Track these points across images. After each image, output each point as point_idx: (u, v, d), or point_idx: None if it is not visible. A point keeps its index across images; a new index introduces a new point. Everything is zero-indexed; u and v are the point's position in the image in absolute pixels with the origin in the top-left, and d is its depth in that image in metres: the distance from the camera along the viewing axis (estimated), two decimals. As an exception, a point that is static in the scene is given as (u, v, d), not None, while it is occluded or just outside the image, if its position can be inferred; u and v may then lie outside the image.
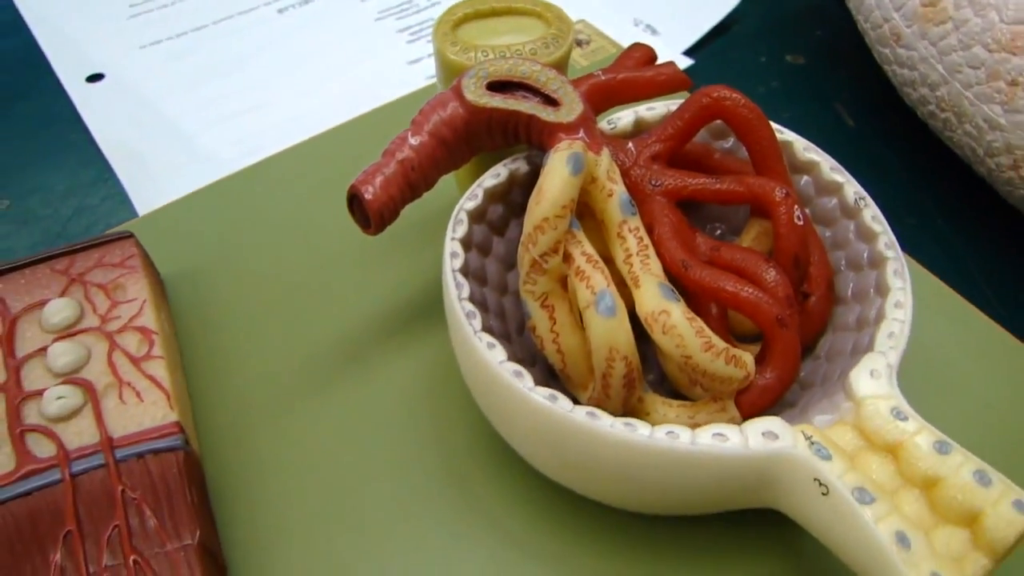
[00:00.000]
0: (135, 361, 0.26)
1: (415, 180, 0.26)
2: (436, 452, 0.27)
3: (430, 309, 0.30)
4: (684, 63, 0.43)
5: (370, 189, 0.25)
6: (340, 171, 0.35)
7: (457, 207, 0.26)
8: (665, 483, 0.22)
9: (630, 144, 0.27)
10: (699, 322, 0.23)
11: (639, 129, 0.29)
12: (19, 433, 0.25)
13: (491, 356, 0.23)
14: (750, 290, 0.24)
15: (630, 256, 0.25)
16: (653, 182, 0.26)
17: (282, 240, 0.32)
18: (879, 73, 0.42)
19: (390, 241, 0.33)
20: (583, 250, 0.24)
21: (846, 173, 0.27)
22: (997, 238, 0.35)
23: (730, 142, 0.29)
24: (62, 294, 0.28)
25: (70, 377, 0.26)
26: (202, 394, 0.28)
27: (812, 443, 0.22)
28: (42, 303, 0.27)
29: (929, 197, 0.37)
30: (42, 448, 0.25)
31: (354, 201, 0.26)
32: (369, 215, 0.25)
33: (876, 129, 0.40)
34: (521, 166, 0.27)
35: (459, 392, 0.28)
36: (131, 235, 0.29)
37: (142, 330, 0.27)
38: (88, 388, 0.26)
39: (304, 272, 0.32)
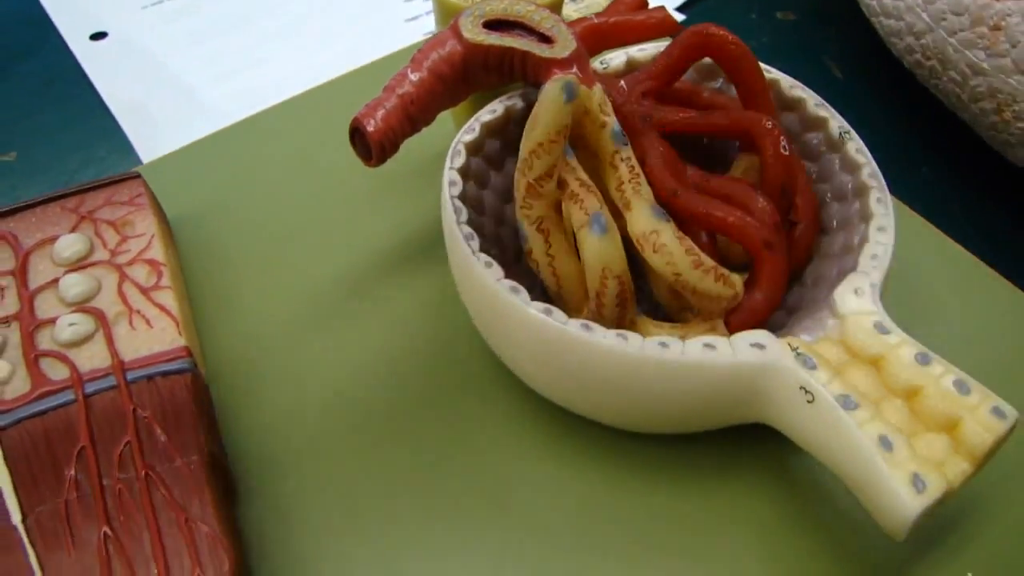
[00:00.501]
0: (144, 291, 0.27)
1: (414, 114, 0.27)
2: (434, 377, 0.28)
3: (429, 247, 0.31)
4: (676, 19, 0.44)
5: (372, 122, 0.26)
6: (339, 118, 0.36)
7: (455, 140, 0.27)
8: (656, 395, 0.23)
9: (622, 82, 0.28)
10: (688, 241, 0.24)
11: (630, 69, 0.30)
12: (34, 358, 0.26)
13: (489, 274, 0.24)
14: (739, 214, 0.25)
15: (622, 184, 0.26)
16: (644, 117, 0.27)
17: (283, 183, 0.33)
18: (867, 26, 0.43)
19: (389, 183, 0.33)
20: (577, 176, 0.25)
21: (831, 108, 0.28)
22: (981, 183, 0.36)
23: (718, 83, 0.30)
24: (72, 230, 0.28)
25: (82, 306, 0.27)
26: (208, 326, 0.29)
27: (798, 354, 0.23)
28: (53, 239, 0.28)
29: (915, 145, 0.38)
30: (56, 371, 0.25)
31: (356, 134, 0.27)
32: (371, 146, 0.26)
33: (864, 81, 0.41)
34: (517, 103, 0.28)
35: (457, 322, 0.29)
36: (138, 175, 0.30)
37: (151, 262, 0.28)
38: (99, 316, 0.26)
39: (306, 213, 0.32)
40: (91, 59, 0.41)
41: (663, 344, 0.23)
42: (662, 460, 0.26)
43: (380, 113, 0.26)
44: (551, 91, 0.25)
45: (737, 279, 0.25)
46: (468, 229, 0.25)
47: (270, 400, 0.27)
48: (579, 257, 0.26)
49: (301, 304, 0.30)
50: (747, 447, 0.26)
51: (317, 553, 0.25)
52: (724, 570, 0.24)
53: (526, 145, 0.25)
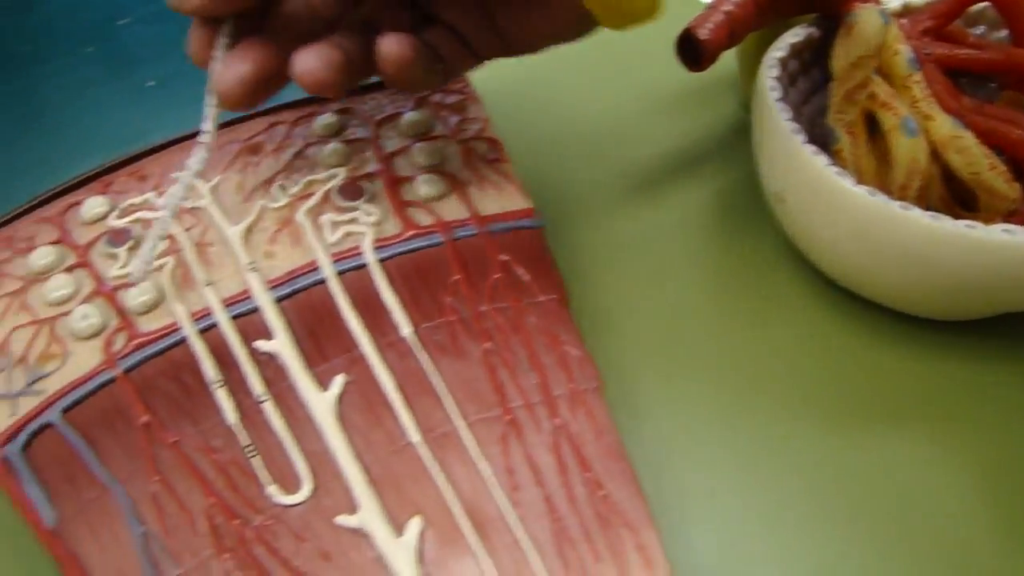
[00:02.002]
0: (487, 162, 0.31)
1: (735, 30, 0.31)
2: (728, 262, 0.32)
3: (714, 153, 0.35)
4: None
5: (704, 31, 0.30)
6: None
7: (768, 55, 0.31)
8: (962, 273, 0.27)
9: (904, 20, 0.32)
10: (985, 147, 0.29)
11: (906, 12, 0.34)
12: (400, 206, 0.30)
13: (817, 160, 0.28)
14: (1021, 132, 0.29)
15: (916, 102, 0.30)
16: (925, 51, 0.32)
17: (593, 82, 0.37)
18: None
19: (678, 99, 0.37)
20: (884, 88, 0.30)
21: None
22: None
23: (981, 30, 0.34)
24: (413, 109, 0.32)
25: (434, 168, 0.31)
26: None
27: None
28: (398, 114, 0.32)
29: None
30: (421, 218, 0.29)
31: (685, 42, 0.31)
32: (702, 51, 0.30)
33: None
34: (814, 31, 0.32)
35: (750, 213, 0.33)
36: (459, 71, 0.34)
37: (489, 140, 0.32)
38: (451, 178, 0.30)
39: (612, 116, 0.36)
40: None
41: (969, 225, 0.27)
42: (950, 347, 0.30)
43: (710, 25, 0.30)
44: (870, 16, 0.29)
45: (1017, 185, 0.29)
46: (795, 124, 0.29)
47: (592, 268, 0.31)
48: (875, 157, 0.30)
49: (608, 191, 0.34)
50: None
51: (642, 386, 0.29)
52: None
53: (846, 59, 0.29)
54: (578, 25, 0.27)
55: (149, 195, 0.30)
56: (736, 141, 0.36)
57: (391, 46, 0.26)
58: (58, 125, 0.37)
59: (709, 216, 0.33)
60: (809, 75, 0.33)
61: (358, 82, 0.28)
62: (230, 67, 0.25)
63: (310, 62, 0.26)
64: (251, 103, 0.26)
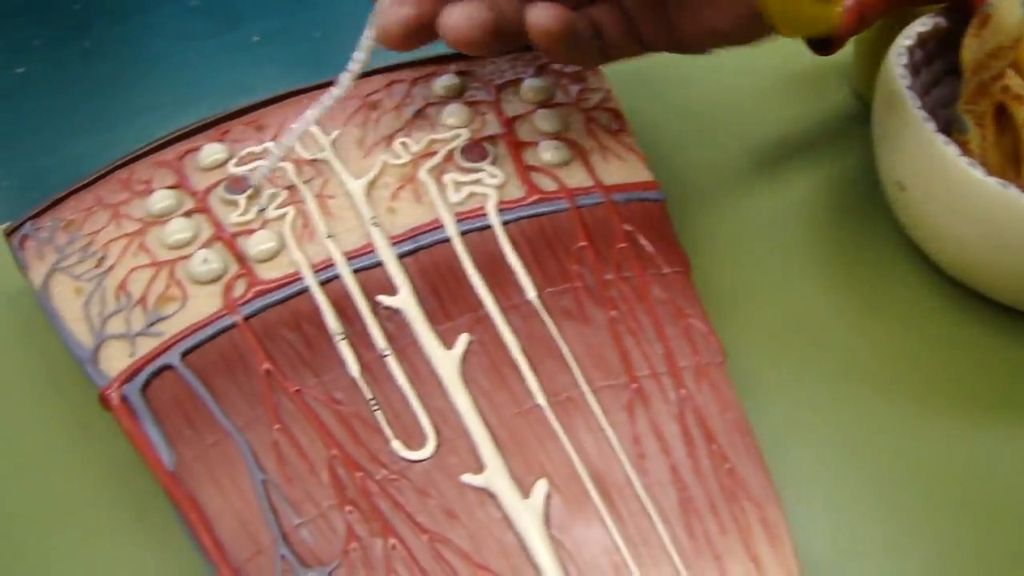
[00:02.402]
0: (610, 132, 0.31)
1: (865, 15, 0.31)
2: (842, 250, 0.32)
3: (826, 139, 0.35)
4: None
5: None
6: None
7: (897, 41, 0.31)
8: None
9: None
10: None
11: None
12: (524, 169, 0.29)
13: (949, 150, 0.28)
14: None
15: (1049, 95, 0.30)
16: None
17: (704, 70, 0.37)
18: None
19: (791, 84, 0.37)
20: (1018, 81, 0.29)
21: None
22: None
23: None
24: (534, 76, 0.32)
25: (557, 135, 0.30)
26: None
27: None
28: (519, 80, 0.32)
29: None
30: (546, 184, 0.29)
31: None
32: (833, 37, 0.30)
33: None
34: (940, 21, 0.32)
35: (864, 201, 0.33)
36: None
37: (611, 111, 0.31)
38: (574, 145, 0.30)
39: (725, 98, 0.36)
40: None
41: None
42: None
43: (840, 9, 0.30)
44: (1011, 5, 0.29)
45: None
46: (924, 113, 0.29)
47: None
48: (1001, 152, 0.30)
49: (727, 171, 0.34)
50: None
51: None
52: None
53: (981, 49, 0.29)
54: (751, 28, 0.27)
55: (268, 144, 0.30)
56: (848, 128, 0.36)
57: (538, 16, 0.26)
58: (164, 74, 0.37)
59: (822, 202, 0.33)
60: (931, 67, 0.32)
61: (512, 46, 0.27)
62: (395, 7, 0.25)
63: (456, 18, 0.25)
64: (407, 46, 0.26)
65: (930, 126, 0.28)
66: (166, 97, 0.35)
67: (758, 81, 0.37)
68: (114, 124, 0.34)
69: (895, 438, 0.28)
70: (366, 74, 0.31)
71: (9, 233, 0.29)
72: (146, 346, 0.26)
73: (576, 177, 0.29)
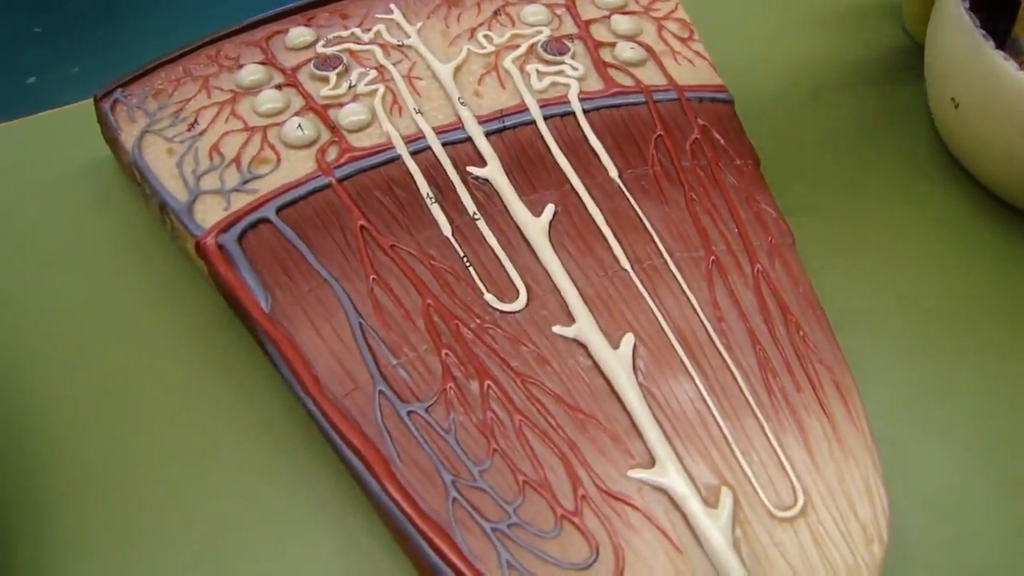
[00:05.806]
0: (681, 39, 0.32)
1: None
2: (891, 177, 0.33)
3: (876, 70, 0.37)
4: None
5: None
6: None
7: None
8: None
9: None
10: None
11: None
12: (602, 65, 0.31)
13: (1008, 64, 0.30)
14: None
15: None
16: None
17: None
18: None
19: (840, 18, 0.39)
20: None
21: None
22: None
23: None
24: (603, -16, 0.34)
25: (631, 38, 0.32)
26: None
27: None
28: (588, -15, 0.33)
29: None
30: (623, 79, 0.31)
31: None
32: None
33: None
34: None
35: (912, 127, 0.35)
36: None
37: (681, 21, 0.33)
38: (648, 48, 0.32)
39: (771, 31, 0.38)
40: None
41: None
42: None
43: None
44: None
45: None
46: (983, 30, 0.31)
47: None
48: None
49: (770, 98, 0.35)
50: None
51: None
52: None
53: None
54: None
55: (355, 30, 0.31)
56: (897, 60, 0.37)
57: None
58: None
59: (870, 128, 0.35)
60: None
61: None
62: None
63: None
64: None
65: (988, 43, 0.30)
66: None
67: (812, 16, 0.39)
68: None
69: (943, 336, 0.29)
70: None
71: (100, 98, 0.30)
72: (241, 201, 0.27)
73: (651, 75, 0.31)
